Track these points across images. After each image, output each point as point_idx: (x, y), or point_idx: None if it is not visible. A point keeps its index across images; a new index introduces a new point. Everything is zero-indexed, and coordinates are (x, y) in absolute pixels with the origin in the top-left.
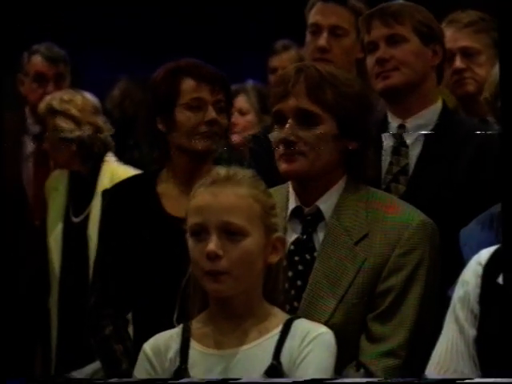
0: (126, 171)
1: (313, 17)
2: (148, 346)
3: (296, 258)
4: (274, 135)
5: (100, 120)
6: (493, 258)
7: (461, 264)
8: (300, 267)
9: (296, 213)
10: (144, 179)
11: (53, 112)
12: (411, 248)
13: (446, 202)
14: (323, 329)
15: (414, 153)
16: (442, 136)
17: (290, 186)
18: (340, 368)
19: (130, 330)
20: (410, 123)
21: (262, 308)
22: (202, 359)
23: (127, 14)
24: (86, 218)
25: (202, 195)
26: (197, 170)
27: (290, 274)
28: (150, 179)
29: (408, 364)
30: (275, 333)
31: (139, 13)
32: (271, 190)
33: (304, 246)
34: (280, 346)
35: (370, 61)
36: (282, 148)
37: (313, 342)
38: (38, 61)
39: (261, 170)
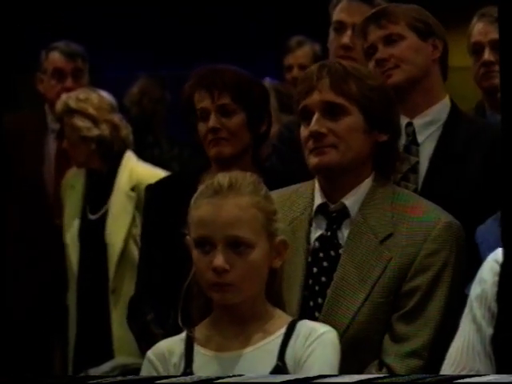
0: (145, 169)
1: (337, 14)
2: (151, 353)
3: (321, 255)
4: (303, 132)
5: (116, 118)
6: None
7: (477, 262)
8: (325, 263)
9: (321, 209)
10: (187, 177)
11: (70, 111)
12: (437, 249)
13: (460, 200)
14: (326, 328)
15: (426, 151)
16: (454, 134)
17: (315, 182)
18: (362, 367)
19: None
20: (417, 121)
21: (265, 311)
22: (206, 363)
23: (146, 13)
24: (104, 216)
25: (205, 207)
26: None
27: (314, 270)
28: (193, 177)
29: (432, 365)
30: (279, 334)
31: (159, 12)
32: (296, 187)
33: (329, 242)
34: (284, 347)
35: (372, 64)
36: (311, 143)
37: (316, 341)
38: (56, 57)
39: (284, 167)
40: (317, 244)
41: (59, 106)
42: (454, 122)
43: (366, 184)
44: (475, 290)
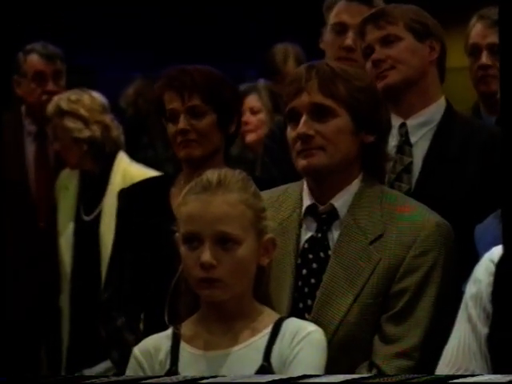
0: (138, 170)
1: (337, 16)
2: (138, 350)
3: (310, 256)
4: (291, 133)
5: (108, 118)
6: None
7: (475, 260)
8: (314, 265)
9: (310, 211)
10: (160, 181)
11: (61, 113)
12: (426, 249)
13: (454, 201)
14: (312, 327)
15: (419, 151)
16: (447, 134)
17: (304, 183)
18: (353, 368)
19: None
20: (411, 121)
21: (252, 309)
22: (192, 361)
23: (143, 13)
24: (98, 217)
25: (194, 203)
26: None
27: (304, 271)
28: (166, 181)
29: (422, 366)
30: (265, 333)
31: (156, 13)
32: (285, 187)
33: (318, 244)
34: (270, 346)
35: (368, 65)
36: (299, 144)
37: (302, 341)
38: (34, 60)
39: (275, 166)
40: (306, 245)
41: (51, 107)
42: (448, 122)
43: (355, 185)
44: (470, 289)
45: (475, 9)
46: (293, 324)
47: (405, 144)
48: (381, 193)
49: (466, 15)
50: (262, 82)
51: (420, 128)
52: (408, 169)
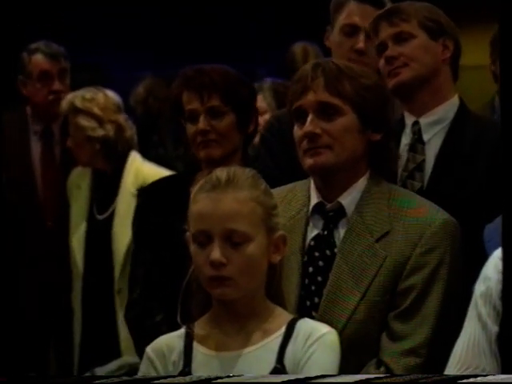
0: (151, 169)
1: (348, 17)
2: (151, 350)
3: (316, 254)
4: (297, 132)
5: (122, 118)
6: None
7: (484, 260)
8: (320, 263)
9: (318, 209)
10: (180, 179)
11: (75, 110)
12: (433, 246)
13: (466, 199)
14: (326, 329)
15: (432, 149)
16: (460, 132)
17: (311, 181)
18: (360, 366)
19: None
20: (423, 120)
21: (265, 308)
22: (205, 362)
23: (152, 13)
24: (111, 216)
25: (204, 201)
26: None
27: (310, 269)
28: (185, 179)
29: (430, 363)
30: (278, 334)
31: (165, 12)
32: (293, 185)
33: (324, 241)
34: (283, 348)
35: (381, 62)
36: (305, 143)
37: (316, 342)
38: (39, 59)
39: (271, 158)
40: (312, 243)
41: (65, 104)
42: (461, 120)
43: (362, 182)
44: (480, 287)
45: (489, 8)
46: (306, 325)
47: (417, 142)
48: (388, 191)
49: (481, 14)
50: (267, 82)
51: (433, 126)
52: (420, 167)
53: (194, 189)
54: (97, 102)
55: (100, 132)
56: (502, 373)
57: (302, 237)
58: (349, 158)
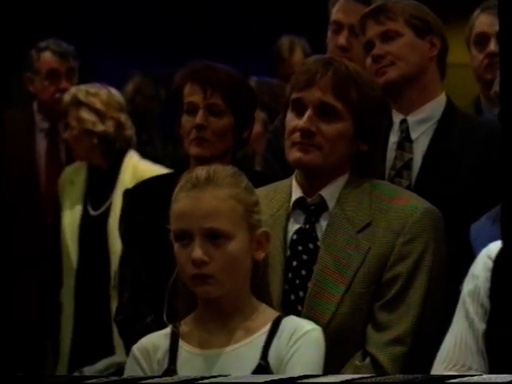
0: (149, 167)
1: (335, 14)
2: (136, 348)
3: (299, 248)
4: (291, 122)
5: (123, 117)
6: (503, 251)
7: (470, 259)
8: (304, 257)
9: (299, 203)
10: (165, 180)
11: (78, 103)
12: (415, 236)
13: (454, 197)
14: (311, 326)
15: (420, 147)
16: (448, 130)
17: (293, 178)
18: (347, 358)
19: None
20: (411, 118)
21: (249, 305)
22: (189, 359)
23: (141, 12)
24: (106, 212)
25: (184, 200)
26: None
27: (294, 263)
28: (171, 180)
29: (414, 352)
30: (263, 332)
31: (154, 11)
32: (276, 184)
33: (306, 235)
34: (268, 345)
35: (368, 60)
36: (297, 136)
37: (300, 339)
38: (48, 57)
39: (277, 161)
40: (295, 237)
41: (67, 97)
42: (448, 118)
43: (344, 177)
44: (468, 285)
45: (473, 5)
46: (291, 322)
47: (405, 140)
48: (370, 184)
49: (467, 11)
50: (252, 80)
51: (420, 124)
52: (408, 165)
53: (176, 188)
54: (100, 98)
55: (100, 127)
56: (492, 371)
57: (284, 231)
58: (334, 162)
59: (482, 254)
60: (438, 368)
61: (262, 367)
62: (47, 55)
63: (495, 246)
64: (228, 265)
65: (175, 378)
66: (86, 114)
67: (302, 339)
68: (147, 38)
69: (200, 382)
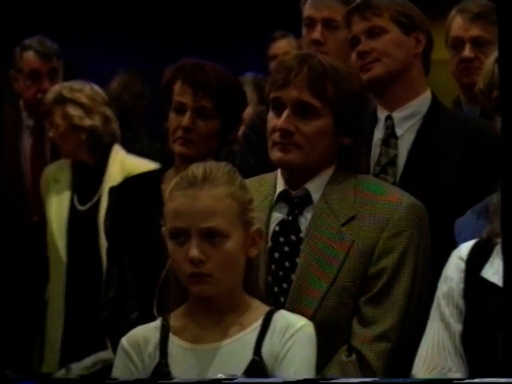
0: (136, 160)
1: (307, 10)
2: (126, 342)
3: (281, 239)
4: (271, 121)
5: (108, 111)
6: (474, 251)
7: None
8: (286, 248)
9: (283, 196)
10: (151, 177)
11: (62, 100)
12: (400, 230)
13: (438, 193)
14: (303, 322)
15: (405, 144)
16: (433, 127)
17: (278, 171)
18: (332, 351)
19: None
20: (397, 114)
21: (242, 302)
22: (181, 354)
23: (127, 7)
24: (95, 206)
25: (180, 199)
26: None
27: (276, 255)
28: (156, 176)
29: (399, 348)
30: (255, 327)
31: (140, 6)
32: (261, 177)
33: (289, 227)
34: (260, 340)
35: (354, 56)
36: (277, 136)
37: (294, 336)
38: (30, 57)
39: (251, 157)
40: (277, 228)
41: (51, 94)
42: (433, 115)
43: (329, 171)
44: (441, 287)
45: (456, 1)
46: (283, 318)
47: (390, 137)
48: (355, 178)
49: (447, 8)
50: (248, 76)
51: (406, 121)
52: (393, 161)
53: (170, 185)
54: (85, 93)
55: (87, 122)
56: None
57: (265, 223)
58: (317, 159)
59: (453, 256)
60: (418, 371)
61: (256, 362)
62: (30, 55)
63: (466, 247)
64: (225, 263)
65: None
66: (72, 110)
67: (296, 336)
68: (134, 34)
69: None
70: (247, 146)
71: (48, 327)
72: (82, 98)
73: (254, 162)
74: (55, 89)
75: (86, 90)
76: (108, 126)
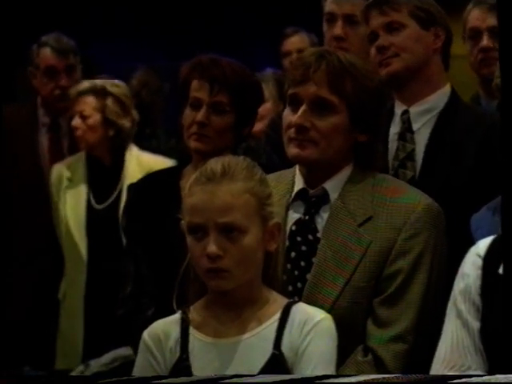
0: (153, 157)
1: (328, 6)
2: (148, 335)
3: (298, 239)
4: (288, 117)
5: (136, 114)
6: (491, 248)
7: None
8: (303, 248)
9: (301, 194)
10: (169, 173)
11: (103, 92)
12: (417, 231)
13: (456, 188)
14: (322, 315)
15: (422, 138)
16: (450, 121)
17: (296, 168)
18: (347, 352)
19: None
20: (414, 108)
21: (261, 295)
22: (202, 349)
23: (146, 4)
24: (114, 204)
25: (199, 194)
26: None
27: (292, 254)
28: (174, 173)
29: (416, 349)
30: (274, 320)
31: (158, 3)
32: (279, 173)
33: (306, 226)
34: (280, 334)
35: (373, 51)
36: (293, 132)
37: (313, 329)
38: (47, 54)
39: (275, 154)
40: (294, 228)
41: (85, 84)
42: (451, 109)
43: (347, 170)
44: (458, 284)
45: None
46: (301, 311)
47: (406, 131)
48: (373, 178)
49: (466, 2)
50: (268, 71)
51: (422, 115)
52: (411, 156)
53: (189, 181)
54: (124, 92)
55: (121, 120)
56: (491, 369)
57: (283, 222)
58: (333, 156)
59: (470, 252)
60: (438, 369)
61: (276, 357)
62: (46, 51)
63: (483, 243)
64: (242, 258)
65: (189, 379)
66: (112, 105)
67: (315, 329)
68: (152, 31)
69: (220, 382)
70: (270, 145)
71: (67, 326)
72: (122, 95)
73: (278, 160)
74: (90, 81)
75: (125, 88)
76: (133, 128)
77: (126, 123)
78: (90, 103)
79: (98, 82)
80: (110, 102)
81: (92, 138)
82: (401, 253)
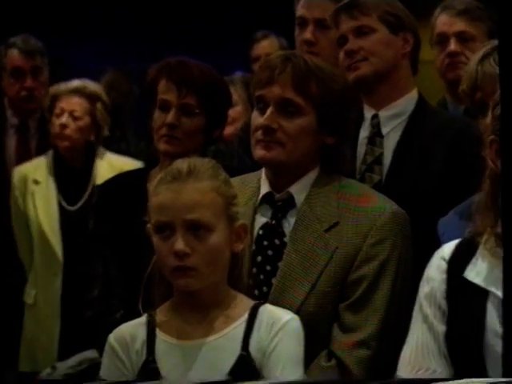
0: (123, 159)
1: (299, 10)
2: (113, 339)
3: (265, 243)
4: (255, 119)
5: (109, 119)
6: (456, 251)
7: None
8: (269, 252)
9: (267, 198)
10: (136, 175)
11: (95, 97)
12: (383, 238)
13: (424, 192)
14: (289, 316)
15: (391, 143)
16: (418, 126)
17: (262, 172)
18: (311, 356)
19: None
20: (383, 113)
21: (227, 297)
22: (169, 351)
23: (112, 5)
24: (86, 205)
25: (165, 193)
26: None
27: (258, 258)
28: (141, 175)
29: (379, 354)
30: (241, 321)
31: (127, 5)
32: (243, 177)
33: (273, 230)
34: (248, 335)
35: (341, 54)
36: (260, 134)
37: (281, 330)
38: (14, 55)
39: (248, 157)
40: (261, 232)
41: (73, 84)
42: (419, 114)
43: (313, 174)
44: (423, 288)
45: (441, 1)
46: (269, 312)
47: (376, 135)
48: (339, 182)
49: (434, 8)
50: (237, 75)
51: (392, 119)
52: (379, 160)
53: (154, 181)
54: (106, 97)
55: (105, 126)
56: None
57: (250, 226)
58: (300, 158)
59: (435, 256)
60: (402, 373)
61: (244, 358)
62: (13, 52)
63: (448, 247)
64: (210, 257)
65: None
66: (101, 109)
67: (283, 331)
68: (121, 32)
69: None
70: (243, 148)
71: (39, 330)
72: (108, 102)
73: (251, 163)
74: (80, 81)
75: (105, 94)
76: (106, 132)
77: (106, 130)
78: (81, 105)
79: (90, 84)
80: (99, 106)
81: (77, 140)
82: (366, 259)
